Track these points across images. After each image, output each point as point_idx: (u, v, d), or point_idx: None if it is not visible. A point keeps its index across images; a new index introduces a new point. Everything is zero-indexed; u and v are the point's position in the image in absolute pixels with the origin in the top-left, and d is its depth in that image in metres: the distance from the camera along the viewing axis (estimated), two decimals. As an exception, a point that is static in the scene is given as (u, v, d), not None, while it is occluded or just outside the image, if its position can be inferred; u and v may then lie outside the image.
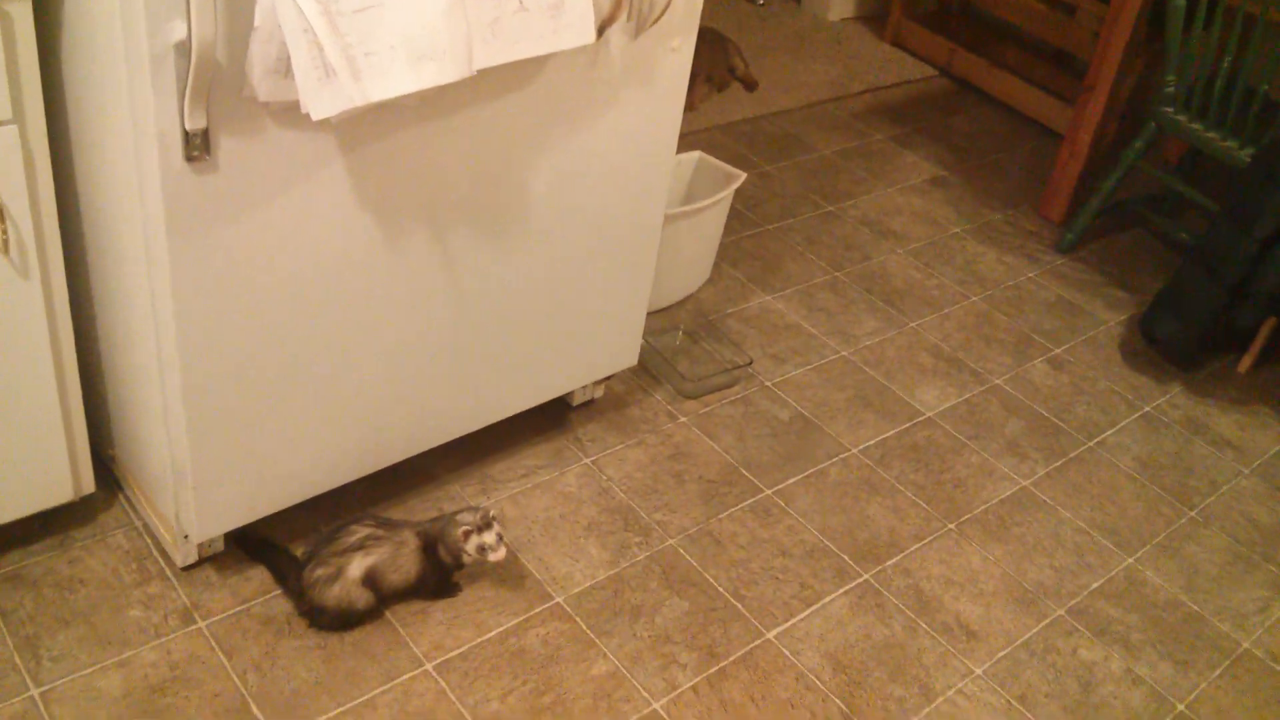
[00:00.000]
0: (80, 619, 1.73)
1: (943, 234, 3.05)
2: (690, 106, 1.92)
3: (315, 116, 1.33)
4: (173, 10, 1.28)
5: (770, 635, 1.90)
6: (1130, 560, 2.17)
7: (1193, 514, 2.30)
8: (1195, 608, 2.10)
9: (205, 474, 1.67)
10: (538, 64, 1.65)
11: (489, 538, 1.78)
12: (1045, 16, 3.58)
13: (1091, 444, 2.43)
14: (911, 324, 2.69)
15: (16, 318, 1.58)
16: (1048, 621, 2.02)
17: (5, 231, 1.51)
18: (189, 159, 1.38)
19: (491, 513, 1.79)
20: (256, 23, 1.30)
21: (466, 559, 1.80)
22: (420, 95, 1.49)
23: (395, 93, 1.37)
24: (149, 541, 1.86)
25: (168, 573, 1.82)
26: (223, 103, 1.37)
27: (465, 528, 1.77)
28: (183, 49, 1.30)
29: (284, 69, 1.33)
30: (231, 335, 1.57)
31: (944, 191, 3.24)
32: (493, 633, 1.82)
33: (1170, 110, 2.80)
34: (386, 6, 1.34)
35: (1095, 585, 2.10)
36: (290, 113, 1.42)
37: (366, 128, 1.52)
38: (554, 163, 1.79)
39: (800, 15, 4.12)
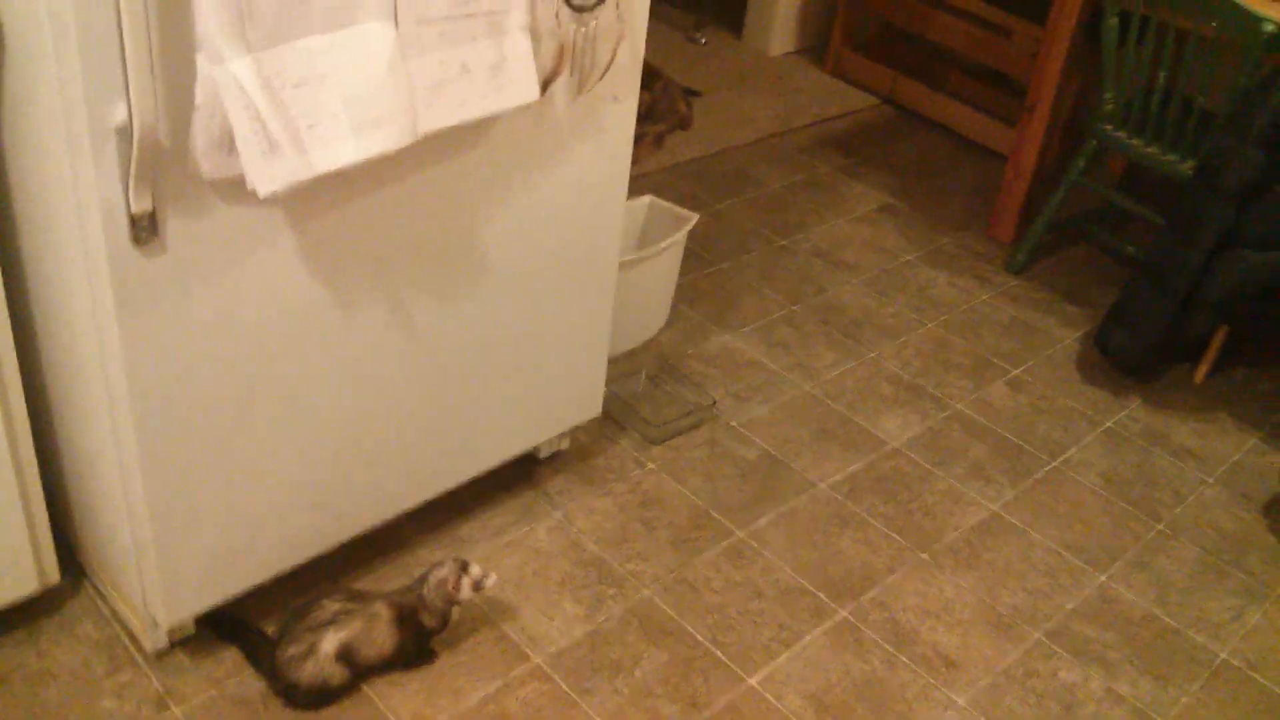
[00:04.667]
0: (52, 714, 1.69)
1: (895, 262, 3.08)
2: (635, 161, 1.93)
3: (262, 192, 1.32)
4: (113, 93, 1.27)
5: (752, 681, 1.88)
6: (1103, 578, 2.18)
7: (1160, 527, 2.32)
8: (1170, 621, 2.11)
9: (170, 557, 1.64)
10: (484, 123, 1.65)
11: (475, 571, 1.78)
12: (983, 40, 3.63)
13: (1056, 463, 2.45)
14: (870, 354, 2.71)
15: (-33, 411, 1.55)
16: (1026, 646, 2.02)
17: (-49, 325, 1.48)
18: (136, 241, 1.36)
19: (454, 556, 1.81)
20: (198, 101, 1.29)
21: (458, 608, 1.80)
22: (367, 162, 1.49)
23: (340, 163, 1.37)
24: (118, 629, 1.82)
25: (139, 660, 1.78)
26: (168, 182, 1.36)
27: (451, 578, 1.76)
28: (124, 132, 1.29)
29: (228, 145, 1.33)
30: (188, 414, 1.55)
31: (893, 219, 3.27)
32: (472, 699, 1.79)
33: (1109, 127, 2.84)
34: (327, 77, 1.33)
35: (1070, 606, 2.11)
36: (237, 188, 1.41)
37: (315, 197, 1.51)
38: (506, 219, 1.79)
39: (742, 51, 4.15)
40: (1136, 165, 3.32)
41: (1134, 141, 2.80)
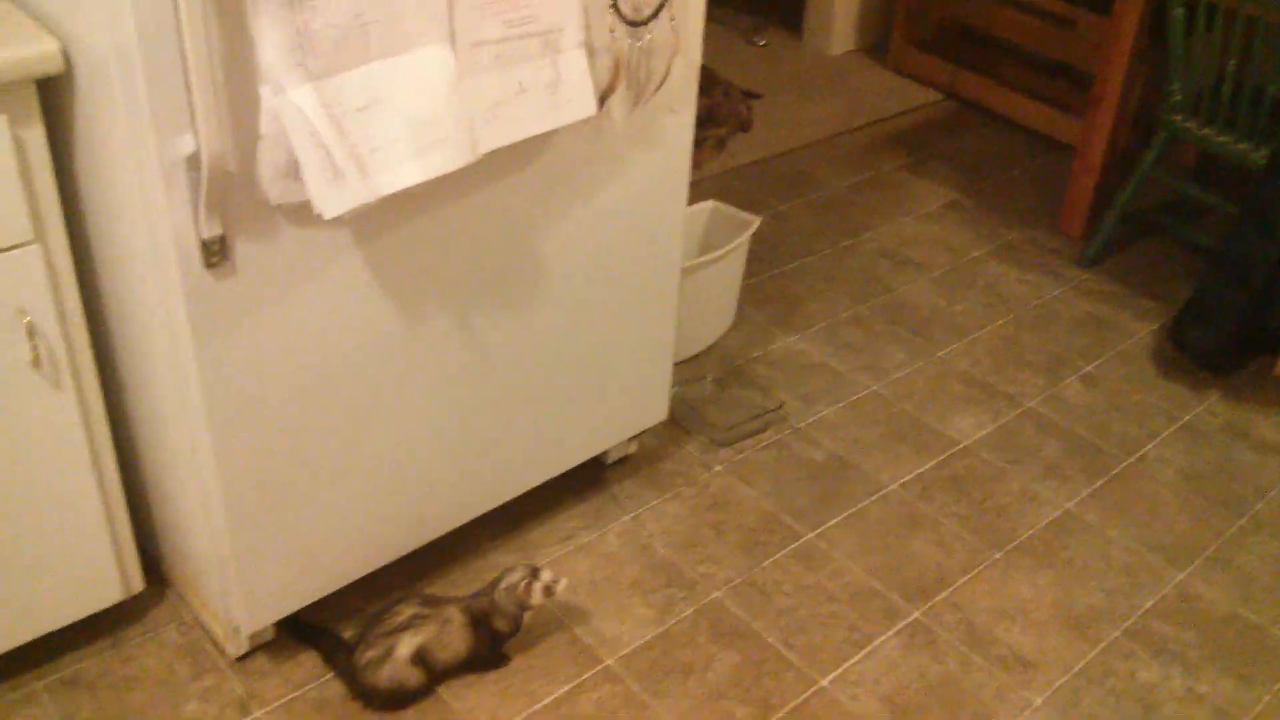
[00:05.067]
0: (139, 718, 1.75)
1: (962, 259, 3.05)
2: (696, 166, 1.95)
3: (327, 216, 1.36)
4: (180, 125, 1.31)
5: (824, 683, 1.89)
6: (1182, 575, 2.15)
7: (1242, 522, 2.27)
8: (1253, 619, 2.07)
9: (249, 565, 1.69)
10: (543, 139, 1.67)
11: (545, 577, 1.81)
12: (1045, 32, 3.58)
13: (1132, 460, 2.41)
14: (939, 353, 2.69)
15: (53, 429, 1.61)
16: (1103, 645, 1.99)
17: (36, 348, 1.54)
18: (208, 266, 1.41)
19: (525, 562, 1.84)
20: (263, 130, 1.33)
21: (530, 611, 1.83)
22: (429, 181, 1.52)
23: (403, 185, 1.40)
24: (201, 634, 1.88)
25: (221, 664, 1.84)
26: (237, 208, 1.40)
27: (523, 582, 1.79)
28: (193, 161, 1.33)
29: (294, 172, 1.36)
30: (263, 428, 1.59)
31: (960, 215, 3.25)
32: (545, 701, 1.82)
33: (1179, 118, 2.79)
34: (387, 102, 1.37)
35: (1149, 604, 2.08)
36: (303, 212, 1.45)
37: (379, 218, 1.55)
38: (567, 231, 1.81)
39: (801, 52, 4.14)
40: (1209, 155, 3.26)
41: (1205, 131, 2.75)
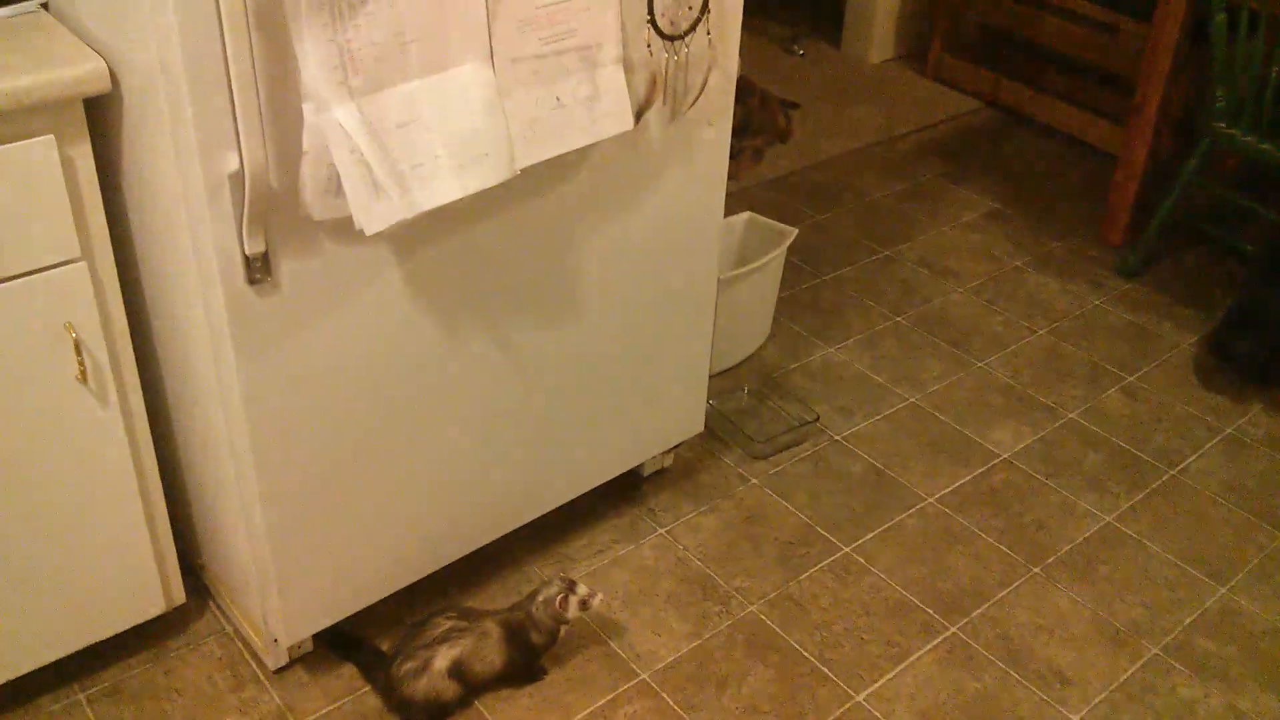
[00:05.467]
0: (179, 730, 1.77)
1: (1003, 268, 3.03)
2: (734, 177, 1.94)
3: (369, 232, 1.37)
4: (224, 144, 1.33)
5: (860, 698, 1.88)
6: (1224, 590, 2.12)
7: (1286, 537, 2.25)
8: (1297, 636, 2.04)
9: (289, 579, 1.71)
10: (580, 154, 1.68)
11: (582, 590, 1.81)
12: (1086, 39, 3.55)
13: (1174, 472, 2.39)
14: (979, 364, 2.67)
15: (99, 443, 1.64)
16: (1143, 661, 1.97)
17: (83, 363, 1.56)
18: (251, 282, 1.42)
19: (562, 575, 1.85)
20: (305, 147, 1.34)
21: (566, 626, 1.83)
22: (468, 197, 1.53)
23: (442, 201, 1.41)
24: (241, 646, 1.90)
25: (260, 676, 1.85)
26: (280, 224, 1.42)
27: (559, 597, 1.80)
28: (237, 179, 1.35)
29: (335, 188, 1.38)
30: (304, 443, 1.61)
31: (1000, 224, 3.22)
32: (580, 715, 1.82)
33: (1222, 125, 2.76)
34: (427, 119, 1.38)
35: (1190, 620, 2.06)
36: (345, 228, 1.47)
37: (419, 233, 1.56)
38: (603, 244, 1.82)
39: (840, 61, 4.13)
40: (1252, 162, 3.22)
41: (1248, 139, 2.72)
